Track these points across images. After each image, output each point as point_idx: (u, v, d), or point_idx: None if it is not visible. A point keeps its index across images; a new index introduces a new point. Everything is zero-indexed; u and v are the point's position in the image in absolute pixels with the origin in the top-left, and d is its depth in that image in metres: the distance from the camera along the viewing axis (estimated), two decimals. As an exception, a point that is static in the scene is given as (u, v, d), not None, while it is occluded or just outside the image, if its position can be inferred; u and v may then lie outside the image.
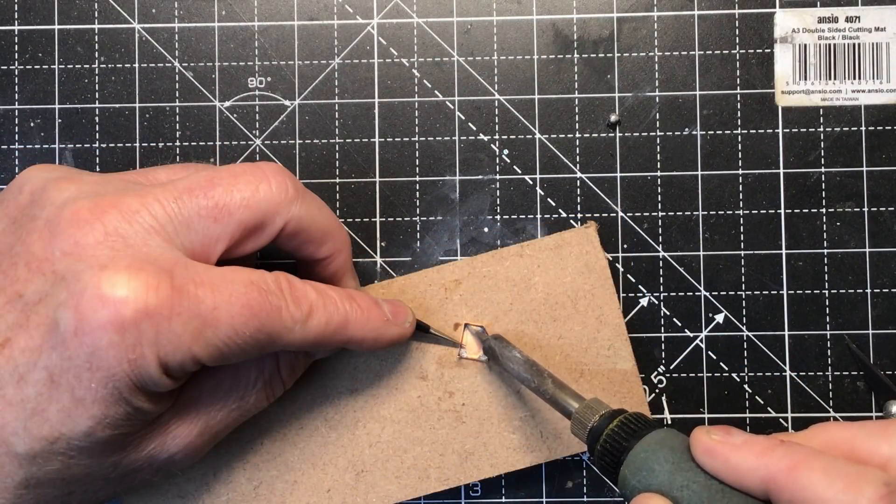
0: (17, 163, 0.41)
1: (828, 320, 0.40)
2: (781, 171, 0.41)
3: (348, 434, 0.38)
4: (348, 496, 0.38)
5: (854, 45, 0.41)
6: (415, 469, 0.38)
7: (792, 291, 0.40)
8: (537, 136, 0.41)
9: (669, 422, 0.40)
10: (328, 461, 0.38)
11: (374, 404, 0.38)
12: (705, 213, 0.41)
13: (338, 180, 0.41)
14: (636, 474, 0.29)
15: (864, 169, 0.41)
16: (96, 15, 0.41)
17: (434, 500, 0.40)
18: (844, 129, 0.41)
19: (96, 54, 0.41)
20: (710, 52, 0.41)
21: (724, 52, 0.41)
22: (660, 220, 0.41)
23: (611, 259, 0.40)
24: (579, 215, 0.41)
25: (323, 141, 0.41)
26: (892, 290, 0.40)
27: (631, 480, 0.29)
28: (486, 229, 0.41)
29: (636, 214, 0.41)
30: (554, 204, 0.41)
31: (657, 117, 0.41)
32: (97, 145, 0.41)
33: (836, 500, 0.25)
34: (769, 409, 0.40)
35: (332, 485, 0.38)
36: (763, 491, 0.27)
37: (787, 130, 0.41)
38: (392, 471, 0.38)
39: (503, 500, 0.40)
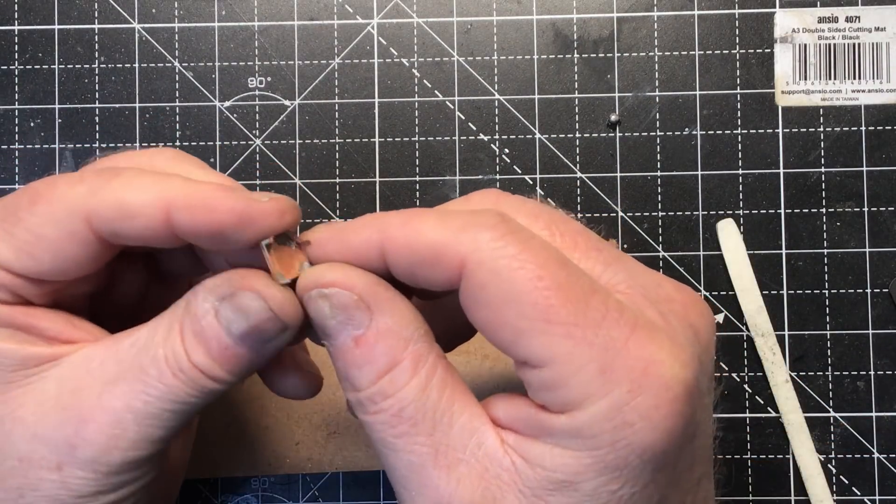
0: (17, 163, 0.41)
1: (828, 320, 0.40)
2: (781, 171, 0.41)
3: (329, 394, 0.38)
4: (315, 453, 0.38)
5: (854, 45, 0.41)
6: None
7: (792, 291, 0.40)
8: (537, 136, 0.41)
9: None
10: (303, 416, 0.38)
11: None
12: (705, 213, 0.41)
13: (338, 180, 0.41)
14: None
15: (864, 169, 0.41)
16: (96, 15, 0.41)
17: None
18: (844, 129, 0.41)
19: (96, 54, 0.41)
20: (710, 52, 0.41)
21: (724, 52, 0.41)
22: (660, 220, 0.41)
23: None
24: (579, 215, 0.41)
25: (323, 141, 0.41)
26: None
27: None
28: (486, 229, 0.41)
29: (636, 214, 0.41)
30: (554, 204, 0.41)
31: (657, 117, 0.41)
32: (97, 145, 0.41)
33: (452, 238, 0.24)
34: (769, 409, 0.40)
35: (302, 439, 0.38)
36: (381, 258, 0.25)
37: (787, 130, 0.41)
38: (363, 439, 0.38)
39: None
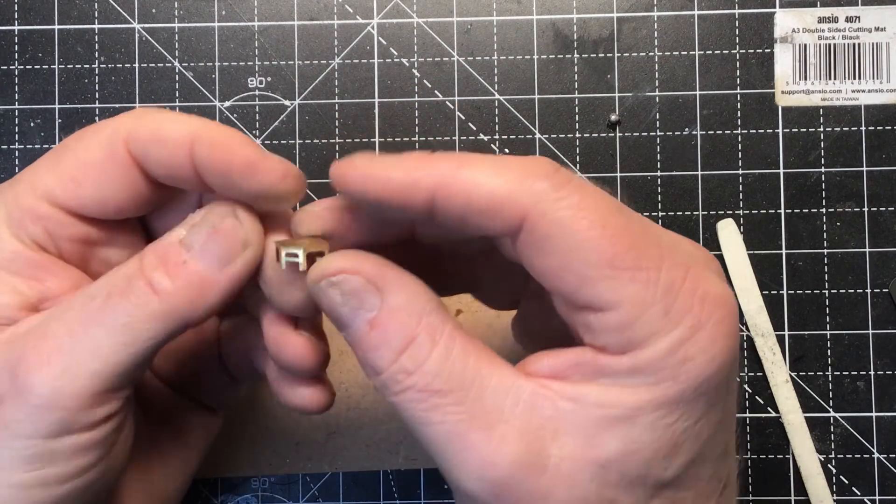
0: (17, 163, 0.41)
1: (828, 320, 0.40)
2: (781, 171, 0.41)
3: None
4: (315, 453, 0.38)
5: (854, 45, 0.41)
6: (385, 442, 0.38)
7: (792, 291, 0.40)
8: (537, 136, 0.41)
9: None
10: (303, 416, 0.38)
11: (360, 371, 0.38)
12: (705, 213, 0.41)
13: (338, 180, 0.41)
14: None
15: (864, 169, 0.41)
16: (96, 15, 0.41)
17: (426, 500, 0.40)
18: (844, 129, 0.41)
19: (96, 54, 0.41)
20: (710, 52, 0.41)
21: (724, 52, 0.41)
22: (660, 220, 0.41)
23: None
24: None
25: (323, 141, 0.41)
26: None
27: None
28: (486, 229, 0.41)
29: (636, 214, 0.41)
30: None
31: (657, 117, 0.41)
32: (97, 145, 0.41)
33: (512, 188, 0.24)
34: (769, 409, 0.40)
35: (302, 439, 0.38)
36: (429, 202, 0.25)
37: (787, 130, 0.41)
38: (363, 439, 0.38)
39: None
